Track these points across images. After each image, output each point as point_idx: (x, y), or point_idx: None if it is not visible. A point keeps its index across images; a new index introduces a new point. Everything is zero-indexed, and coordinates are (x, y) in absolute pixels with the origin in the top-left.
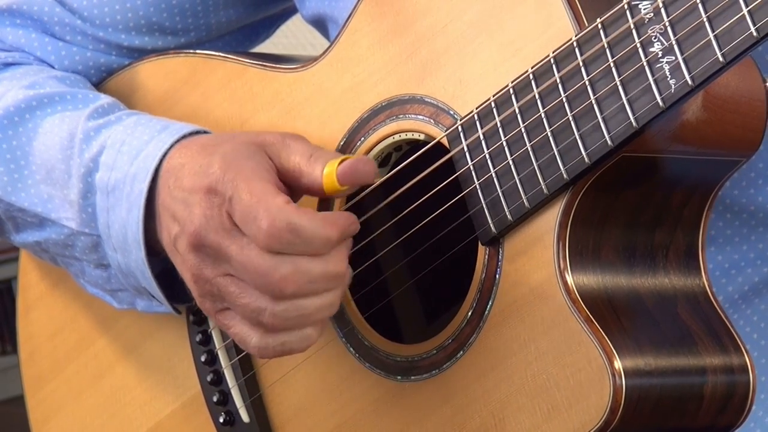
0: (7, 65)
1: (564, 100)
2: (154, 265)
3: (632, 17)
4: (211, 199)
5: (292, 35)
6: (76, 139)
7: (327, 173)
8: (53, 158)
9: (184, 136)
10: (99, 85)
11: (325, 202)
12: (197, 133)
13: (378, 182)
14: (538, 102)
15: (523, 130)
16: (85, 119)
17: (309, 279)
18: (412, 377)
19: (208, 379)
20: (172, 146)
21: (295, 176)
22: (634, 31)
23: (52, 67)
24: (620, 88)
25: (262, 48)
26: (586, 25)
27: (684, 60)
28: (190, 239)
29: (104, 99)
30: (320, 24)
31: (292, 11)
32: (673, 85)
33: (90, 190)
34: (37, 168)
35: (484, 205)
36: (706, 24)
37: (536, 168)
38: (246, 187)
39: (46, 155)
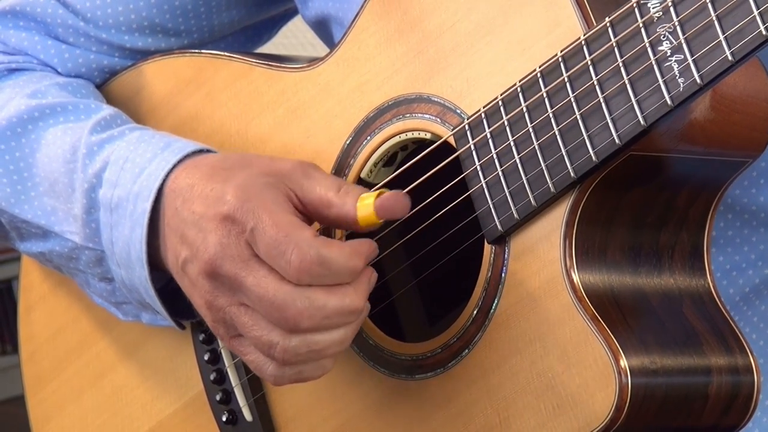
0: (11, 71)
1: (572, 99)
2: (157, 281)
3: (641, 16)
4: (227, 227)
5: (293, 35)
6: (79, 153)
7: (362, 206)
8: (56, 171)
9: (187, 155)
10: (103, 86)
11: (324, 231)
12: (201, 151)
13: (384, 181)
14: (546, 101)
15: (530, 129)
16: (87, 133)
17: (325, 314)
18: (417, 376)
19: (211, 378)
20: (175, 165)
21: (323, 207)
22: (642, 30)
23: (56, 70)
24: (629, 87)
25: (264, 48)
26: (595, 24)
27: (693, 59)
28: (205, 267)
29: (106, 110)
30: (323, 25)
31: (293, 12)
32: (681, 84)
33: (93, 205)
34: (40, 180)
35: (491, 204)
36: (716, 23)
37: (543, 167)
38: (270, 220)
39: (49, 168)
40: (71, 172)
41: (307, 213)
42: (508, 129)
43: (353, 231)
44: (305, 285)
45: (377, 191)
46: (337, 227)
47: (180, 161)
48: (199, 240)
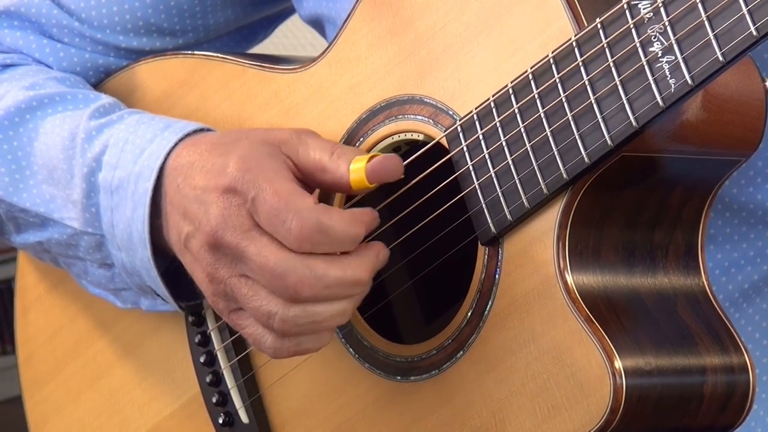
0: (6, 66)
1: (563, 99)
2: (159, 264)
3: (632, 17)
4: (229, 198)
5: (291, 35)
6: (77, 139)
7: (356, 169)
8: (55, 158)
9: (188, 134)
10: (97, 86)
11: (324, 200)
12: (201, 130)
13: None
14: (538, 102)
15: (522, 130)
16: (86, 119)
17: (325, 284)
18: (412, 378)
19: (207, 380)
20: (176, 144)
21: (317, 172)
22: (633, 31)
23: (51, 69)
24: (620, 87)
25: (262, 48)
26: (586, 24)
27: (684, 59)
28: (207, 238)
29: (105, 99)
30: (318, 24)
31: (290, 12)
32: (672, 85)
33: (93, 189)
34: (38, 168)
35: (484, 206)
36: (706, 23)
37: (536, 168)
38: (270, 188)
39: (47, 155)
40: (70, 159)
41: (304, 179)
42: (500, 130)
43: (351, 195)
44: (306, 253)
45: (369, 155)
46: (332, 191)
47: (180, 140)
48: (201, 213)
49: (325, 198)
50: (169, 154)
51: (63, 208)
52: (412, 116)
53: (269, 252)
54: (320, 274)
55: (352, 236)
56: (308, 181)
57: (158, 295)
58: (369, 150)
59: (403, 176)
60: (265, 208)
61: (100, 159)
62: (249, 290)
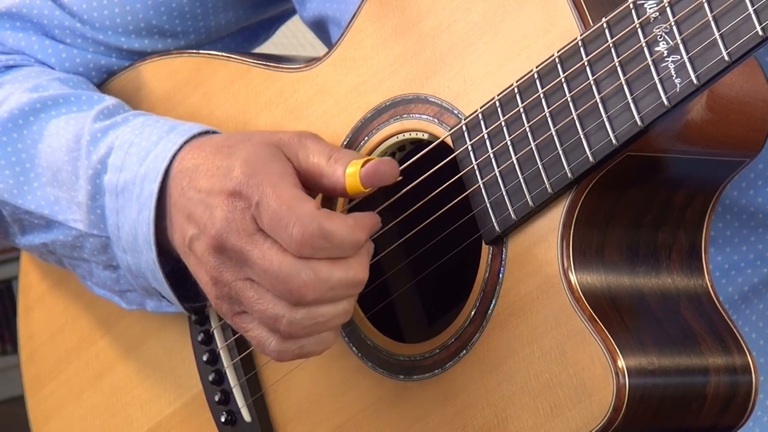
0: (9, 68)
1: (569, 99)
2: (164, 266)
3: (638, 17)
4: (234, 202)
5: (292, 35)
6: (82, 141)
7: (350, 173)
8: (59, 160)
9: (193, 137)
10: (102, 85)
11: (328, 201)
12: (206, 133)
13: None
14: (543, 101)
15: (527, 129)
16: (91, 121)
17: (330, 286)
18: (415, 377)
19: (210, 378)
20: (182, 147)
21: (315, 177)
22: (639, 31)
23: (54, 70)
24: (625, 87)
25: (263, 48)
26: (591, 24)
27: (689, 59)
28: (211, 241)
29: (109, 100)
30: (320, 26)
31: (291, 13)
32: (678, 85)
33: (99, 191)
34: (43, 170)
35: (488, 205)
36: (712, 23)
37: (541, 167)
38: (273, 193)
39: (51, 157)
40: (75, 160)
41: (305, 183)
42: (505, 129)
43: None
44: (307, 258)
45: (365, 159)
46: (330, 195)
47: (186, 142)
48: (206, 216)
49: (328, 201)
50: (174, 156)
51: (68, 209)
52: (417, 115)
53: (273, 255)
54: (324, 276)
55: (354, 242)
56: (308, 185)
57: (164, 297)
58: (374, 149)
59: (399, 179)
60: (268, 213)
61: (105, 161)
62: (254, 293)
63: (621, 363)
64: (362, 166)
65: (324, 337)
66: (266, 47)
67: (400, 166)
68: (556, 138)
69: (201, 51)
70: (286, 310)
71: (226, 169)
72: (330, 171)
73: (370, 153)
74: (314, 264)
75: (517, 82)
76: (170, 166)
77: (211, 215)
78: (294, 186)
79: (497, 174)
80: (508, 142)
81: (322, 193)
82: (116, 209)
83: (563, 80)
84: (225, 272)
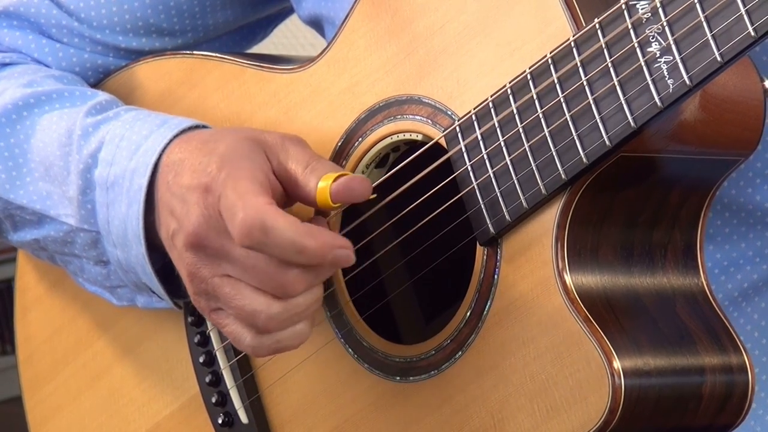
0: (5, 65)
1: (562, 100)
2: (154, 261)
3: (630, 17)
4: (207, 198)
5: (291, 35)
6: (74, 136)
7: (321, 188)
8: (51, 155)
9: (183, 131)
10: (96, 86)
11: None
12: (197, 127)
13: (376, 183)
14: (536, 102)
15: (521, 130)
16: (83, 116)
17: (317, 275)
18: (411, 378)
19: (207, 380)
20: (171, 141)
21: (291, 183)
22: (631, 31)
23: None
24: (618, 88)
25: (262, 48)
26: (584, 25)
27: (682, 60)
28: (189, 238)
29: (102, 96)
30: (317, 25)
31: (289, 11)
32: (671, 85)
33: (89, 186)
34: (35, 165)
35: (483, 206)
36: (704, 24)
37: (534, 168)
38: (232, 185)
39: (44, 152)
40: (66, 155)
41: (284, 186)
42: (498, 130)
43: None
44: (246, 248)
45: (339, 173)
46: (305, 204)
47: (176, 136)
48: (184, 212)
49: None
50: (164, 150)
51: (59, 204)
52: (410, 116)
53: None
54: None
55: (296, 245)
56: (285, 190)
57: (154, 293)
58: (368, 150)
59: (371, 197)
60: (224, 203)
61: (96, 155)
62: (231, 290)
63: (617, 364)
64: (334, 180)
65: (299, 330)
66: (265, 47)
67: (394, 167)
68: (549, 139)
69: (195, 52)
70: (264, 306)
71: (206, 164)
72: (304, 181)
73: (364, 154)
74: None
75: (510, 83)
76: (159, 160)
77: (188, 212)
78: (253, 180)
79: (491, 175)
80: (502, 143)
81: (298, 201)
82: (106, 203)
83: (556, 81)
84: (202, 268)
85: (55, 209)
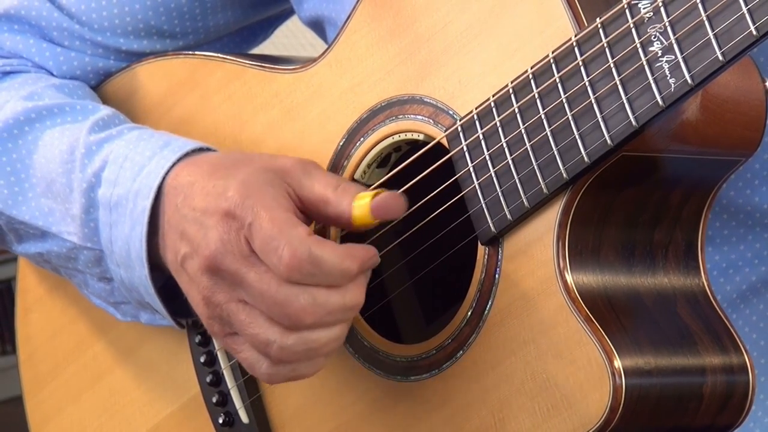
0: (6, 74)
1: (563, 99)
2: (156, 280)
3: (632, 17)
4: (228, 223)
5: (292, 35)
6: (77, 153)
7: (360, 205)
8: (54, 171)
9: (187, 153)
10: (98, 87)
11: (320, 230)
12: (201, 150)
13: (379, 182)
14: (538, 102)
15: (522, 130)
16: (86, 132)
17: (327, 311)
18: (412, 377)
19: (208, 380)
20: (175, 163)
21: (320, 205)
22: (633, 31)
23: (50, 73)
24: (620, 87)
25: (262, 48)
26: (586, 24)
27: (684, 59)
28: (206, 262)
29: (104, 111)
30: (317, 26)
31: (289, 13)
32: (672, 84)
33: (92, 205)
34: (37, 181)
35: (484, 205)
36: (706, 23)
37: (536, 168)
38: (267, 216)
39: (46, 168)
40: (69, 172)
41: (306, 211)
42: (500, 130)
43: (349, 230)
44: (295, 282)
45: (374, 191)
46: (333, 225)
47: (180, 159)
48: (200, 236)
49: (322, 231)
50: (168, 172)
51: (62, 221)
52: (412, 116)
53: (270, 279)
54: (322, 301)
55: (344, 271)
56: (310, 213)
57: (157, 311)
58: (370, 150)
59: (405, 214)
60: (260, 234)
61: (99, 175)
62: (246, 317)
63: (617, 363)
64: (372, 198)
65: (316, 361)
66: (266, 47)
67: (396, 167)
68: (551, 138)
69: (196, 52)
70: (277, 336)
71: (222, 189)
72: (337, 201)
73: (365, 154)
74: (311, 288)
75: (512, 82)
76: (163, 182)
77: (206, 235)
78: (288, 210)
79: (493, 175)
80: (504, 143)
81: (325, 221)
82: (110, 223)
83: (558, 80)
84: (218, 293)
85: (57, 226)
